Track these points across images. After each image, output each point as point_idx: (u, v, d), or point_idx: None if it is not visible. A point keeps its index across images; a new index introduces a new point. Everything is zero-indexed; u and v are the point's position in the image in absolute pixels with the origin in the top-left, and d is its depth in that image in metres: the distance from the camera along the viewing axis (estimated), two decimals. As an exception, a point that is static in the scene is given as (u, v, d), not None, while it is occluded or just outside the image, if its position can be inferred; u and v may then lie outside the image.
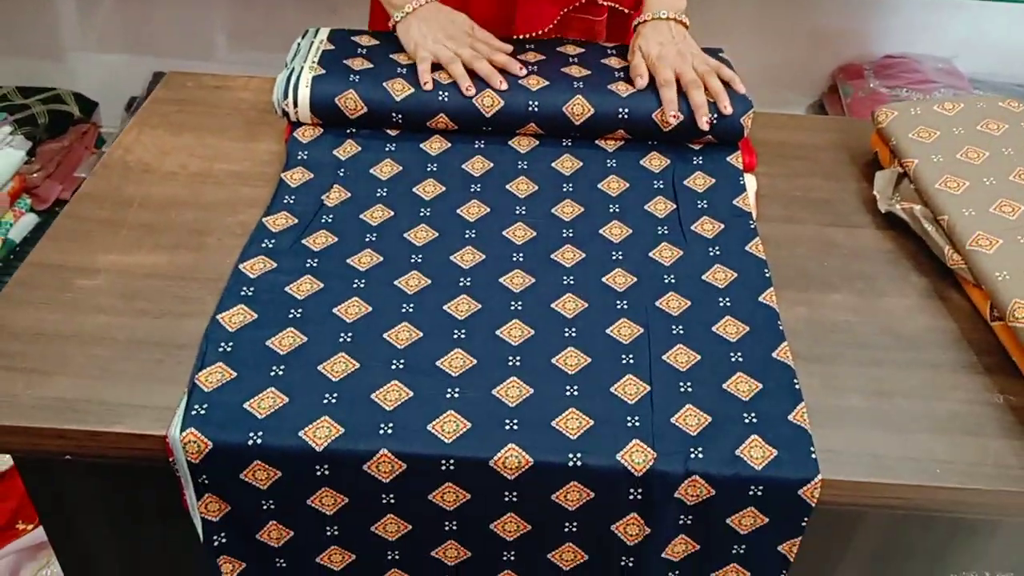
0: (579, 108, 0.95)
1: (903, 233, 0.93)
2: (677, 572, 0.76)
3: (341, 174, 0.93)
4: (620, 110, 0.95)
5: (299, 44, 1.01)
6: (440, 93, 0.95)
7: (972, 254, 0.82)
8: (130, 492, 0.78)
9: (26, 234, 1.90)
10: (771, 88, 2.04)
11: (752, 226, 0.90)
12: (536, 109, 0.95)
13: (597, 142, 0.98)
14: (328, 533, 0.74)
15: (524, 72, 0.97)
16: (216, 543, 0.74)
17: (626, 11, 1.10)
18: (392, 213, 0.89)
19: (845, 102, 1.93)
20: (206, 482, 0.70)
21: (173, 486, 0.70)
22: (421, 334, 0.77)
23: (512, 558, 0.75)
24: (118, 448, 0.69)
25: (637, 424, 0.71)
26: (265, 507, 0.72)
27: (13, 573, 1.29)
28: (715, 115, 0.94)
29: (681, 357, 0.76)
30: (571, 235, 0.88)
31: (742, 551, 0.74)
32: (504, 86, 0.95)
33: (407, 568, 0.77)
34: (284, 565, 0.76)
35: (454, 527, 0.73)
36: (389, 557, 0.76)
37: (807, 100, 2.10)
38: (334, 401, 0.71)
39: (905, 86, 1.88)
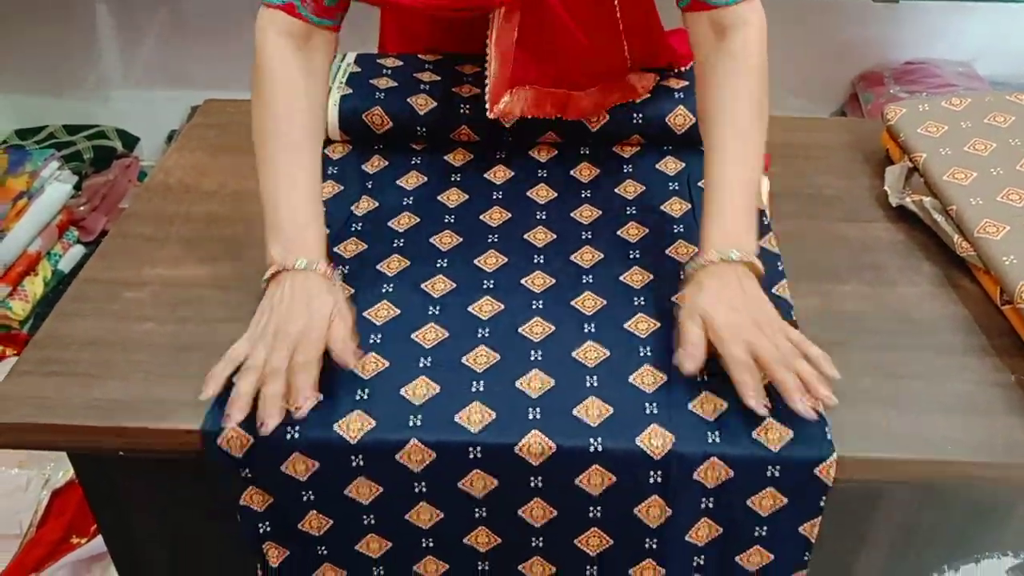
0: (594, 116, 0.98)
1: (914, 226, 0.95)
2: (703, 557, 0.78)
3: (369, 186, 0.98)
4: (635, 116, 0.99)
5: (327, 68, 1.07)
6: (462, 106, 0.99)
7: (980, 241, 0.84)
8: (178, 485, 0.83)
9: (74, 265, 1.98)
10: (793, 98, 2.06)
11: (765, 222, 0.92)
12: (555, 117, 0.99)
13: (614, 149, 1.02)
14: (365, 522, 0.78)
15: (308, 406, 0.72)
16: (261, 531, 0.78)
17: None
18: (418, 219, 0.94)
19: (866, 109, 1.95)
20: (249, 475, 0.75)
21: (218, 479, 0.74)
22: (447, 334, 0.81)
23: (540, 544, 0.78)
24: (167, 443, 0.74)
25: (655, 411, 0.74)
26: (305, 498, 0.76)
27: (68, 585, 1.35)
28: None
29: (697, 349, 0.79)
30: (590, 237, 0.92)
31: (764, 533, 0.76)
32: (298, 412, 0.71)
33: (441, 555, 0.80)
34: (325, 552, 0.80)
35: (484, 514, 0.77)
36: (423, 544, 0.79)
37: (829, 109, 2.12)
38: (366, 397, 0.75)
39: (925, 91, 1.89)
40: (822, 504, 0.73)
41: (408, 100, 1.00)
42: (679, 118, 0.99)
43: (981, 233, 0.84)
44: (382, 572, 0.81)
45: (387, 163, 1.00)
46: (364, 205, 0.95)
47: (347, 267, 0.88)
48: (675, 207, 0.95)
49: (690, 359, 0.73)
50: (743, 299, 0.75)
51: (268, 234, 0.80)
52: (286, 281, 0.77)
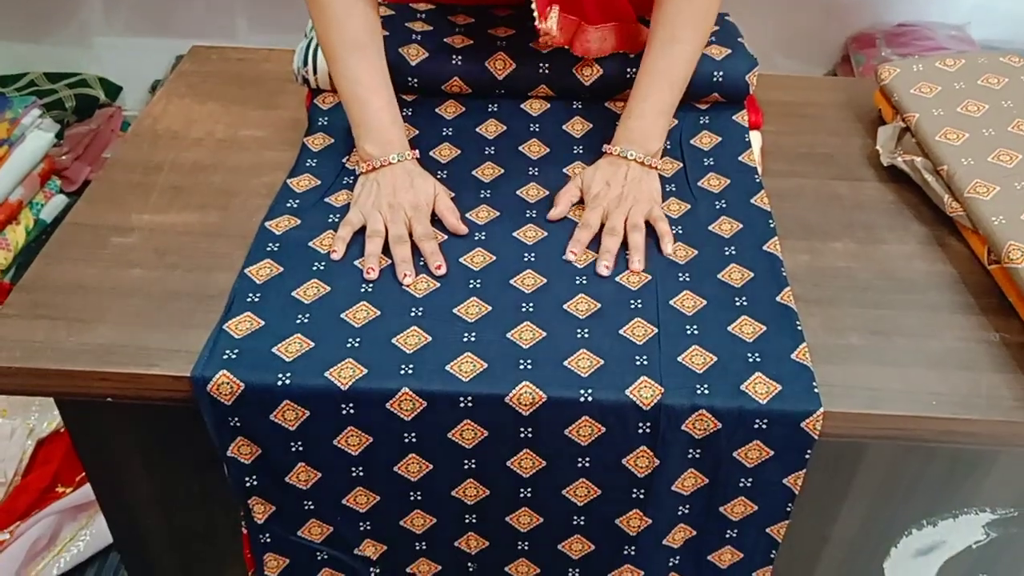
0: (588, 70, 0.98)
1: (905, 186, 0.95)
2: (688, 506, 0.80)
3: (360, 138, 0.97)
4: (628, 71, 0.98)
5: (318, 15, 1.05)
6: (454, 57, 0.98)
7: (970, 201, 0.85)
8: (166, 434, 0.83)
9: (56, 214, 1.95)
10: (784, 59, 2.06)
11: (757, 180, 0.92)
12: (547, 71, 0.98)
13: (607, 104, 1.01)
14: (354, 474, 0.78)
15: (442, 271, 0.82)
16: (248, 484, 0.78)
17: None
18: None
19: (857, 71, 1.95)
20: (238, 424, 0.75)
21: (205, 429, 0.74)
22: (438, 284, 0.81)
23: (528, 495, 0.79)
24: (155, 390, 0.74)
25: (645, 363, 0.74)
26: (294, 449, 0.76)
27: (54, 533, 1.35)
28: (721, 73, 0.96)
29: (687, 302, 0.80)
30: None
31: (749, 484, 0.77)
32: (408, 280, 0.81)
33: (428, 509, 0.81)
34: (312, 507, 0.80)
35: (473, 465, 0.77)
36: (411, 497, 0.80)
37: (821, 71, 2.11)
38: (357, 345, 0.75)
39: (917, 53, 1.89)
40: (807, 457, 0.74)
41: (400, 50, 0.98)
42: (673, 73, 0.98)
43: (971, 193, 0.85)
44: (369, 528, 0.82)
45: (378, 113, 0.99)
46: (356, 158, 0.94)
47: (338, 217, 0.87)
48: (667, 166, 0.95)
49: (554, 208, 0.88)
50: (621, 180, 0.88)
51: (358, 131, 0.89)
52: (386, 170, 0.88)
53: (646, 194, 0.88)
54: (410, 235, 0.85)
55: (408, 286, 0.81)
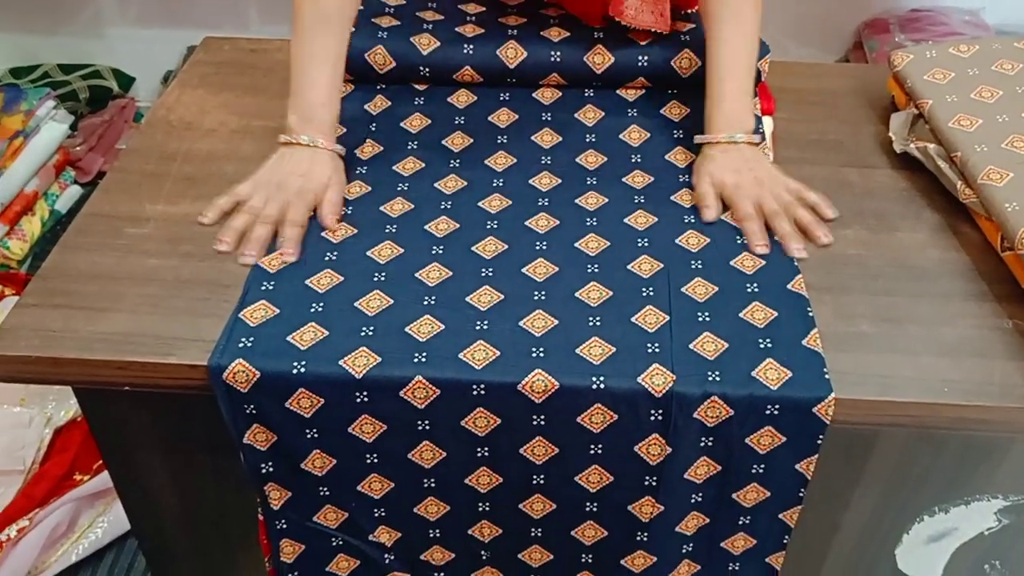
0: (599, 58, 0.98)
1: (917, 173, 0.95)
2: (701, 494, 0.80)
3: (373, 128, 0.97)
4: (640, 58, 0.98)
5: (329, 5, 1.05)
6: (465, 46, 0.98)
7: (983, 187, 0.84)
8: (182, 420, 0.84)
9: (71, 205, 1.97)
10: (797, 44, 2.04)
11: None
12: (558, 59, 0.98)
13: (618, 92, 1.01)
14: (368, 461, 0.79)
15: (288, 259, 0.82)
16: (264, 471, 0.79)
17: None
18: (423, 164, 0.93)
19: (871, 57, 1.93)
20: (253, 411, 0.76)
21: (221, 415, 0.75)
22: (451, 273, 0.81)
23: (541, 482, 0.79)
24: (172, 378, 0.74)
25: (657, 350, 0.75)
26: (309, 435, 0.77)
27: (72, 520, 1.37)
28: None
29: (699, 289, 0.80)
30: (595, 183, 0.92)
31: (761, 470, 0.78)
32: (223, 248, 0.83)
33: (442, 496, 0.81)
34: (327, 493, 0.81)
35: (486, 453, 0.78)
36: (425, 484, 0.81)
37: (833, 56, 2.10)
38: (371, 333, 0.76)
39: (931, 39, 1.88)
40: (819, 442, 0.75)
41: (411, 39, 0.99)
42: (684, 61, 0.98)
43: (984, 180, 0.84)
44: (383, 514, 0.83)
45: (390, 103, 1.00)
46: (368, 149, 0.95)
47: (351, 208, 0.88)
48: (679, 157, 0.95)
49: (708, 209, 0.87)
50: (745, 163, 0.89)
51: (290, 99, 0.89)
52: (294, 149, 0.88)
53: (772, 170, 0.90)
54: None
55: (245, 263, 0.81)
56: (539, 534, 0.84)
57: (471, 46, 0.98)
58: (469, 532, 0.84)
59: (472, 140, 0.96)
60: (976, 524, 0.90)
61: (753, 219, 0.85)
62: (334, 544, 0.85)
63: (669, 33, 0.99)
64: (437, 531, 0.84)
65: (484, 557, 0.86)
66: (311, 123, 0.88)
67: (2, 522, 1.32)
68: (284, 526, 0.83)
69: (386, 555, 0.86)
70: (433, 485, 0.81)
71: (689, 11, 1.02)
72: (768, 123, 0.97)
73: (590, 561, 0.85)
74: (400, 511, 0.83)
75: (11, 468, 1.40)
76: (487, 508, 0.82)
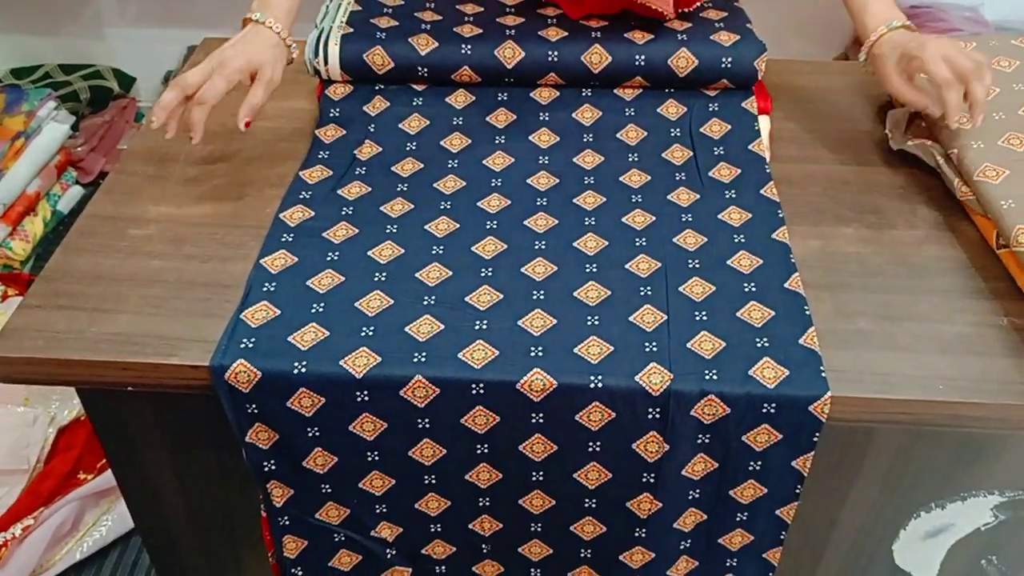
0: (597, 57, 0.98)
1: (915, 171, 0.95)
2: (698, 491, 0.81)
3: (372, 129, 0.98)
4: (637, 58, 0.98)
5: (327, 6, 1.06)
6: (463, 46, 0.99)
7: (979, 184, 0.85)
8: (185, 418, 0.85)
9: (73, 205, 1.98)
10: (796, 41, 2.04)
11: (767, 170, 0.93)
12: (556, 59, 0.98)
13: (616, 91, 1.02)
14: (369, 458, 0.80)
15: (195, 141, 0.87)
16: (266, 469, 0.80)
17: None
18: (422, 165, 0.94)
19: (869, 54, 1.94)
20: (255, 411, 0.76)
21: (224, 414, 0.76)
22: (451, 273, 0.82)
23: (541, 478, 0.80)
24: (175, 378, 0.75)
25: (654, 349, 0.75)
26: (310, 434, 0.78)
27: (77, 518, 1.38)
28: (730, 59, 0.97)
29: (697, 289, 0.81)
30: (592, 182, 0.92)
31: (758, 467, 0.78)
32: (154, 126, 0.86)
33: (443, 492, 0.82)
34: (329, 490, 0.82)
35: (485, 450, 0.78)
36: (426, 481, 0.81)
37: (832, 53, 2.10)
38: (371, 333, 0.76)
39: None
40: (815, 440, 0.75)
41: (409, 40, 0.99)
42: (681, 60, 0.99)
43: (981, 177, 0.85)
44: (385, 510, 0.84)
45: (388, 104, 1.00)
46: (368, 150, 0.95)
47: (351, 209, 0.89)
48: (676, 155, 0.95)
49: (951, 90, 0.86)
50: (918, 40, 0.90)
51: None
52: (247, 27, 0.92)
53: (951, 40, 0.91)
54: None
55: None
56: (539, 529, 0.85)
57: (469, 46, 0.99)
58: (470, 527, 0.85)
59: (470, 140, 0.97)
60: (973, 520, 0.91)
61: (953, 87, 0.86)
62: (336, 540, 0.86)
63: (666, 33, 0.99)
64: (438, 526, 0.85)
65: (485, 551, 0.87)
66: (268, 6, 0.92)
67: (7, 521, 1.33)
68: (287, 522, 0.84)
69: (388, 550, 0.87)
70: (434, 481, 0.82)
71: (687, 10, 1.02)
72: (765, 123, 0.98)
73: (589, 556, 0.86)
74: (401, 507, 0.83)
75: (15, 467, 1.41)
76: (487, 503, 0.83)
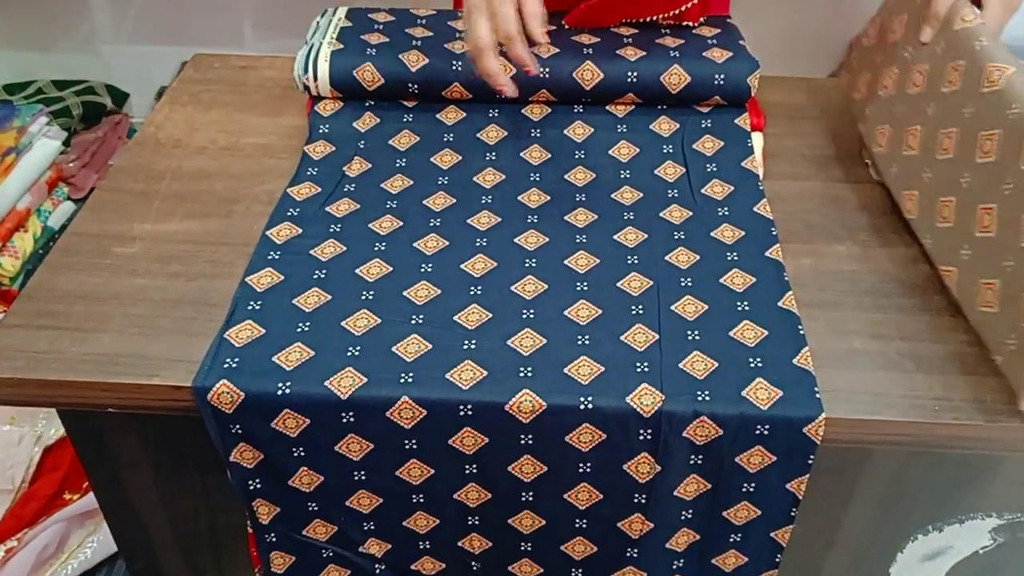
0: (589, 74, 0.98)
1: (909, 187, 0.95)
2: (691, 511, 0.79)
3: (361, 146, 0.97)
4: (629, 74, 0.98)
5: (318, 22, 1.05)
6: (454, 63, 0.98)
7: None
8: (168, 437, 0.83)
9: (64, 221, 1.97)
10: (790, 57, 2.03)
11: (760, 188, 0.92)
12: (547, 76, 0.98)
13: (608, 107, 1.01)
14: (356, 478, 0.78)
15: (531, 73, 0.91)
16: (251, 488, 0.79)
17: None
18: (411, 182, 0.93)
19: (863, 71, 1.94)
20: (239, 431, 0.75)
21: (208, 433, 0.75)
22: (439, 291, 0.81)
23: (530, 499, 0.79)
24: (156, 399, 0.74)
25: (646, 369, 0.74)
26: (296, 454, 0.76)
27: (62, 540, 1.36)
28: (723, 76, 0.96)
29: (689, 307, 0.79)
30: (584, 199, 0.92)
31: (752, 489, 0.77)
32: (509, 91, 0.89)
33: (431, 510, 0.81)
34: (316, 508, 0.81)
35: (474, 470, 0.77)
36: (414, 500, 0.80)
37: (826, 70, 2.10)
38: (357, 353, 0.75)
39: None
40: (810, 462, 0.74)
41: (400, 57, 0.99)
42: (674, 77, 0.98)
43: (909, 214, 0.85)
44: (373, 528, 0.82)
45: (379, 120, 0.99)
46: (357, 166, 0.94)
47: (339, 226, 0.88)
48: (669, 171, 0.94)
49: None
50: None
51: None
52: None
53: None
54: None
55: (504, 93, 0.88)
56: (529, 548, 0.83)
57: (460, 63, 0.98)
58: (459, 544, 0.84)
59: (461, 157, 0.96)
60: (971, 543, 0.90)
61: None
62: (324, 555, 0.84)
63: (659, 50, 0.99)
64: (427, 543, 0.84)
65: (475, 568, 0.86)
66: None
67: (-9, 542, 1.31)
68: (274, 539, 0.83)
69: (376, 565, 0.85)
70: (422, 500, 0.80)
71: (692, 24, 1.02)
72: (758, 139, 0.97)
73: (580, 575, 0.85)
74: (389, 524, 0.82)
75: (0, 487, 1.39)
76: (476, 522, 0.82)
